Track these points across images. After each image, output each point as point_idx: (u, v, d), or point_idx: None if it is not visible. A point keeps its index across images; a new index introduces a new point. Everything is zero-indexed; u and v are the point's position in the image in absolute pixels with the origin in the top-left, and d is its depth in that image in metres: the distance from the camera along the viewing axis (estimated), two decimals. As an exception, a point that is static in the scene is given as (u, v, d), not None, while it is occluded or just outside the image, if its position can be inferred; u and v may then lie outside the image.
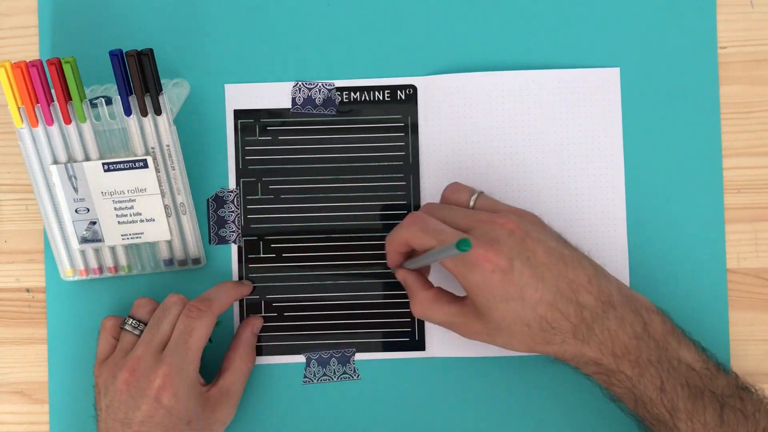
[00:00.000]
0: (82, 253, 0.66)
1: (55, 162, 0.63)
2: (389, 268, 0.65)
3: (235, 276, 0.67)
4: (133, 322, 0.63)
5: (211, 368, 0.65)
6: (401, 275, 0.63)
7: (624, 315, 0.57)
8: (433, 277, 0.65)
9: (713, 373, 0.58)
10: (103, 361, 0.63)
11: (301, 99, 0.68)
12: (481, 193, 0.62)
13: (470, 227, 0.58)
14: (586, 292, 0.57)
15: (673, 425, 0.57)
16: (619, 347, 0.57)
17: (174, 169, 0.64)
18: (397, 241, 0.61)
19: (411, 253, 0.62)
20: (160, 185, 0.64)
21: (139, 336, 0.63)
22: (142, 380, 0.60)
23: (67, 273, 0.66)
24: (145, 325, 0.63)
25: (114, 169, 0.63)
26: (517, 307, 0.57)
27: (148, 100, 0.62)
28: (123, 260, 0.66)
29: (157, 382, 0.59)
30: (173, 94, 0.66)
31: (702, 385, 0.57)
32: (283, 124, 0.68)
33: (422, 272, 0.63)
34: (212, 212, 0.68)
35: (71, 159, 0.63)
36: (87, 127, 0.63)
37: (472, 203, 0.62)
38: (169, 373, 0.60)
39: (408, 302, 0.66)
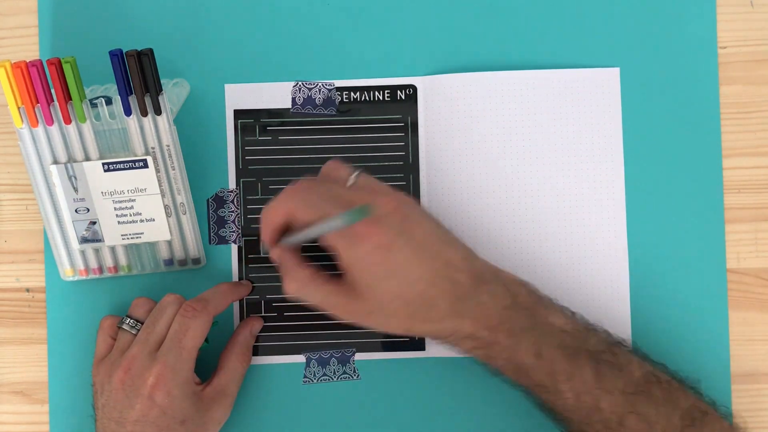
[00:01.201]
0: (82, 253, 0.65)
1: (55, 162, 0.63)
2: (264, 252, 0.63)
3: (235, 276, 0.67)
4: (131, 321, 0.63)
5: (207, 368, 0.65)
6: (276, 253, 0.60)
7: (495, 289, 0.59)
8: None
9: (584, 333, 0.60)
10: (101, 361, 0.63)
11: (301, 99, 0.68)
12: (360, 172, 0.61)
13: (351, 203, 0.57)
14: (460, 270, 0.58)
15: (555, 388, 0.58)
16: (494, 319, 0.58)
17: (174, 169, 0.64)
18: (276, 213, 0.59)
19: (287, 230, 0.60)
20: (160, 185, 0.64)
21: (135, 335, 0.63)
22: (136, 379, 0.60)
23: (67, 273, 0.66)
24: (142, 323, 0.63)
25: (114, 169, 0.63)
26: (397, 284, 0.57)
27: (148, 100, 0.62)
28: (123, 260, 0.66)
29: (150, 380, 0.59)
30: (173, 94, 0.66)
31: (576, 345, 0.59)
32: (283, 124, 0.68)
33: (297, 251, 0.61)
34: (212, 212, 0.68)
35: (71, 159, 0.63)
36: (87, 127, 0.63)
37: (351, 182, 0.60)
38: (163, 372, 0.60)
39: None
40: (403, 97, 0.68)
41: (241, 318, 0.67)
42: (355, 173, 0.61)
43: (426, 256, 0.57)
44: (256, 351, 0.67)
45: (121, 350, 0.62)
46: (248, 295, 0.67)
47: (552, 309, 0.60)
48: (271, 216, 0.59)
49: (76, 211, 0.64)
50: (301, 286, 0.59)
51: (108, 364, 0.62)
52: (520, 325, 0.58)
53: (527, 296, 0.60)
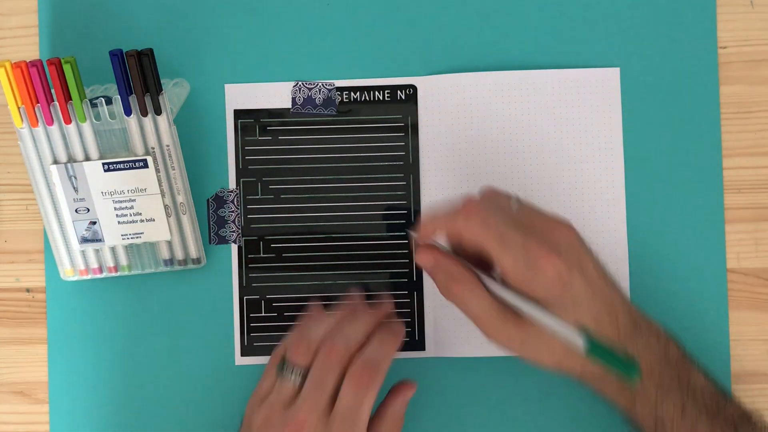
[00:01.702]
0: (82, 253, 0.66)
1: (55, 162, 0.63)
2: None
3: (236, 276, 0.67)
4: (295, 369, 0.58)
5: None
6: (431, 254, 0.57)
7: (649, 338, 0.58)
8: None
9: (723, 398, 0.58)
10: (263, 400, 0.59)
11: (301, 99, 0.68)
12: (517, 197, 0.59)
13: (527, 226, 0.56)
14: (622, 313, 0.57)
15: None
16: (645, 367, 0.57)
17: (174, 169, 0.64)
18: (445, 225, 0.57)
19: (457, 246, 0.57)
20: (160, 185, 0.64)
21: (297, 387, 0.57)
22: None
23: (67, 273, 0.66)
24: (306, 369, 0.58)
25: (114, 169, 0.63)
26: (567, 318, 0.55)
27: (148, 100, 0.62)
28: (123, 260, 0.66)
29: None
30: (173, 94, 0.66)
31: (716, 410, 0.57)
32: (283, 124, 0.68)
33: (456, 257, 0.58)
34: (212, 212, 0.68)
35: (71, 159, 0.63)
36: (87, 127, 0.63)
37: (515, 208, 0.58)
38: None
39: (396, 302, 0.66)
40: (403, 97, 0.68)
41: (241, 318, 0.67)
42: (515, 198, 0.58)
43: (597, 292, 0.56)
44: (257, 351, 0.67)
45: (283, 402, 0.57)
46: (248, 296, 0.67)
47: (694, 369, 0.59)
48: (439, 227, 0.57)
49: (76, 211, 0.64)
50: (467, 290, 0.56)
51: (269, 411, 0.57)
52: (669, 379, 0.57)
53: (676, 351, 0.58)
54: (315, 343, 0.58)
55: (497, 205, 0.57)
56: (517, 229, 0.55)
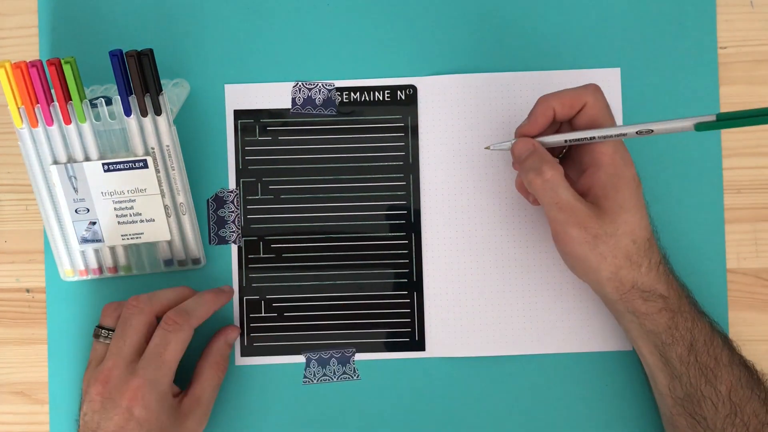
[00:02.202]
0: (82, 253, 0.65)
1: (55, 162, 0.63)
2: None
3: (236, 277, 0.67)
4: (103, 331, 0.63)
5: (184, 376, 0.65)
6: (530, 142, 0.60)
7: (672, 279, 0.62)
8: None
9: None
10: (86, 370, 0.63)
11: (301, 99, 0.68)
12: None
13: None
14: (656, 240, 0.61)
15: (714, 375, 0.60)
16: (678, 288, 0.61)
17: (174, 169, 0.64)
18: (571, 99, 0.60)
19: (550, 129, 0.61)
20: (160, 185, 0.64)
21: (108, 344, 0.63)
22: (114, 391, 0.60)
23: (67, 273, 0.66)
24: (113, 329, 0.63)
25: (114, 169, 0.63)
26: (638, 219, 0.59)
27: (148, 100, 0.62)
28: (123, 260, 0.66)
29: (129, 393, 0.59)
30: (173, 94, 0.66)
31: (732, 352, 0.61)
32: (283, 124, 0.68)
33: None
34: (212, 212, 0.68)
35: (71, 159, 0.63)
36: (87, 127, 0.63)
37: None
38: (142, 385, 0.59)
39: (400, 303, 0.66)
40: (403, 97, 0.68)
41: (241, 318, 0.67)
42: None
43: (644, 212, 0.60)
44: (256, 351, 0.67)
45: (98, 361, 0.62)
46: (248, 296, 0.67)
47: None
48: (564, 99, 0.60)
49: (76, 211, 0.64)
50: (558, 175, 0.59)
51: (88, 374, 0.62)
52: (698, 310, 0.61)
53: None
54: (122, 305, 0.63)
55: None
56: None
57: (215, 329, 0.66)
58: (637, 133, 0.57)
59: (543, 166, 0.59)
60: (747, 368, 0.61)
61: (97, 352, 0.63)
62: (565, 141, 0.60)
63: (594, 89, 0.60)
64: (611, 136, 0.58)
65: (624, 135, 0.58)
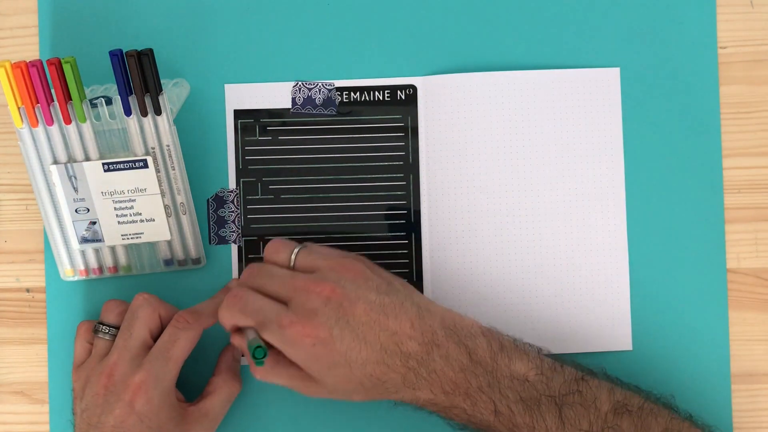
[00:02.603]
0: (82, 253, 0.65)
1: (55, 162, 0.63)
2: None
3: (235, 276, 0.67)
4: (105, 327, 0.63)
5: (191, 387, 0.65)
6: (237, 341, 0.61)
7: (448, 351, 0.58)
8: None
9: (548, 376, 0.58)
10: (80, 366, 0.63)
11: (301, 99, 0.68)
12: (303, 247, 0.61)
13: (288, 297, 0.58)
14: (409, 338, 0.58)
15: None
16: (448, 384, 0.58)
17: (174, 169, 0.64)
18: (223, 321, 0.61)
19: None
20: (160, 185, 0.64)
21: (111, 341, 0.63)
22: (119, 385, 0.60)
23: (67, 273, 0.66)
24: (116, 328, 0.63)
25: (114, 169, 0.63)
26: (345, 371, 0.57)
27: (148, 100, 0.62)
28: (123, 260, 0.66)
29: (132, 387, 0.59)
30: (173, 94, 0.66)
31: (537, 394, 0.57)
32: (283, 124, 0.68)
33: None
34: (212, 212, 0.68)
35: (71, 159, 0.63)
36: (87, 127, 0.63)
37: (291, 263, 0.61)
38: (146, 379, 0.60)
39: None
40: (403, 97, 0.68)
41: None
42: (294, 252, 0.61)
43: (369, 337, 0.57)
44: (256, 351, 0.67)
45: (99, 356, 0.62)
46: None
47: (515, 354, 0.59)
48: (224, 323, 0.61)
49: (76, 211, 0.64)
50: (265, 373, 0.60)
51: (88, 369, 0.62)
52: (477, 386, 0.57)
53: (486, 349, 0.58)
54: (127, 305, 0.64)
55: (263, 276, 0.60)
56: (272, 309, 0.58)
57: (217, 333, 0.66)
58: None
59: (251, 369, 0.60)
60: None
61: (98, 348, 0.63)
62: None
63: (225, 307, 0.60)
64: None
65: None
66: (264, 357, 0.56)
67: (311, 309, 0.57)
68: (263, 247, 0.67)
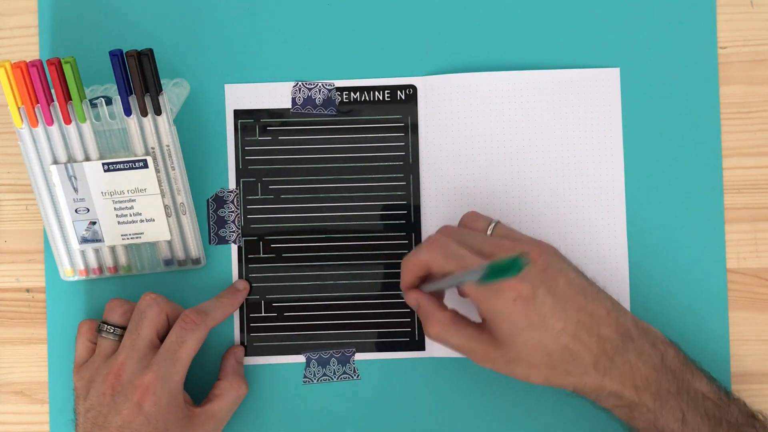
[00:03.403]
0: (82, 253, 0.65)
1: (55, 162, 0.63)
2: (399, 290, 0.63)
3: (236, 276, 0.67)
4: (109, 327, 0.63)
5: (195, 392, 0.65)
6: (414, 297, 0.60)
7: (642, 347, 0.57)
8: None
9: (726, 402, 0.58)
10: (82, 366, 0.63)
11: (301, 99, 0.68)
12: (498, 222, 0.61)
13: (492, 253, 0.57)
14: (606, 324, 0.57)
15: None
16: (640, 379, 0.57)
17: (174, 169, 0.64)
18: (415, 263, 0.59)
19: (426, 277, 0.60)
20: (160, 185, 0.64)
21: (116, 340, 0.63)
22: (127, 385, 0.60)
23: (67, 273, 0.66)
24: (121, 328, 0.63)
25: (114, 169, 0.63)
26: (539, 336, 0.56)
27: (148, 100, 0.62)
28: (123, 260, 0.66)
29: (141, 388, 0.59)
30: (173, 94, 0.66)
31: (719, 415, 0.57)
32: (283, 124, 0.68)
33: (437, 296, 0.61)
34: (212, 212, 0.68)
35: (71, 159, 0.63)
36: (87, 127, 0.63)
37: (490, 231, 0.61)
38: (155, 380, 0.59)
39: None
40: (403, 97, 0.68)
41: (241, 318, 0.67)
42: (493, 224, 0.61)
43: (570, 307, 0.56)
44: (257, 351, 0.67)
45: (104, 356, 0.62)
46: (248, 296, 0.67)
47: (696, 374, 0.58)
48: (410, 267, 0.59)
49: (76, 211, 0.64)
50: (442, 329, 0.58)
51: (92, 369, 0.62)
52: (667, 388, 0.57)
53: (675, 357, 0.58)
54: (134, 305, 0.63)
55: (464, 233, 0.60)
56: (475, 259, 0.57)
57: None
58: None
59: (426, 325, 0.59)
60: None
61: (102, 348, 0.63)
62: (432, 290, 0.60)
63: (427, 248, 0.59)
64: (459, 282, 0.57)
65: (463, 281, 0.56)
66: (521, 269, 0.48)
67: None
68: (263, 247, 0.67)
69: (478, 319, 0.59)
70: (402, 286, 0.61)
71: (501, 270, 0.48)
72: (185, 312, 0.63)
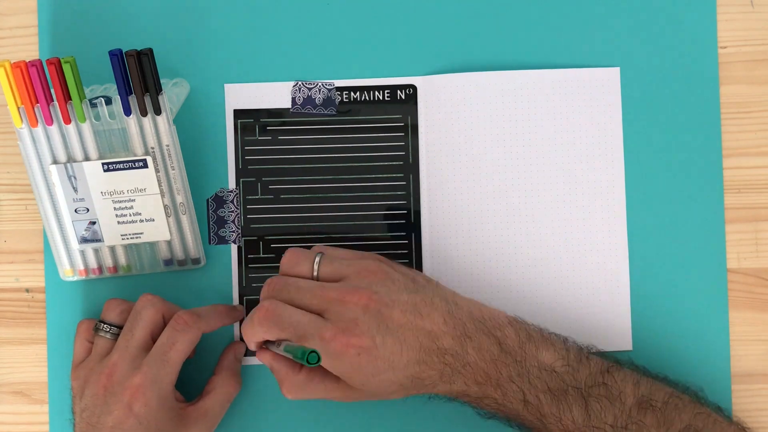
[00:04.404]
0: (82, 253, 0.65)
1: (55, 162, 0.63)
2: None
3: (236, 276, 0.67)
4: (106, 326, 0.63)
5: (191, 387, 0.65)
6: (266, 359, 0.61)
7: (480, 341, 0.58)
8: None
9: (574, 367, 0.59)
10: (79, 365, 0.63)
11: (301, 99, 0.68)
12: (321, 255, 0.61)
13: (323, 309, 0.58)
14: (444, 334, 0.58)
15: (546, 429, 0.58)
16: (481, 375, 0.58)
17: (174, 169, 0.64)
18: (253, 337, 0.60)
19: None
20: (159, 185, 0.64)
21: (112, 340, 0.63)
22: (117, 386, 0.60)
23: (66, 273, 0.66)
24: (118, 328, 0.63)
25: (114, 169, 0.63)
26: (389, 376, 0.58)
27: (147, 100, 0.62)
28: (123, 260, 0.66)
29: (130, 389, 0.59)
30: (173, 94, 0.66)
31: (564, 385, 0.58)
32: (283, 124, 0.68)
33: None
34: (212, 212, 0.68)
35: (71, 159, 0.63)
36: (87, 127, 0.63)
37: (315, 273, 0.61)
38: (144, 382, 0.59)
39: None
40: (403, 97, 0.68)
41: (241, 322, 0.67)
42: (316, 262, 0.61)
43: (409, 338, 0.58)
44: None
45: (99, 356, 0.62)
46: (248, 296, 0.67)
47: (542, 344, 0.59)
48: (249, 338, 0.60)
49: (75, 211, 0.64)
50: (298, 391, 0.60)
51: (87, 369, 0.62)
52: (507, 375, 0.58)
53: (515, 337, 0.59)
54: (131, 305, 0.63)
55: (290, 289, 0.60)
56: (310, 321, 0.58)
57: (219, 334, 0.66)
58: None
59: (282, 387, 0.61)
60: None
61: (98, 347, 0.63)
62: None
63: (259, 323, 0.59)
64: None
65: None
66: (319, 361, 0.54)
67: (351, 319, 0.57)
68: (263, 247, 0.67)
69: None
70: (251, 348, 0.62)
71: (304, 359, 0.53)
72: (178, 313, 0.62)
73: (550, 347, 0.59)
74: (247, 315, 0.65)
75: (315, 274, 0.61)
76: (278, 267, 0.67)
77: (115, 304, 0.64)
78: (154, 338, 0.62)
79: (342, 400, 0.60)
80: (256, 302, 0.67)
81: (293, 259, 0.61)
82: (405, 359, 0.57)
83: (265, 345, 0.61)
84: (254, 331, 0.59)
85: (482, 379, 0.58)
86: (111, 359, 0.61)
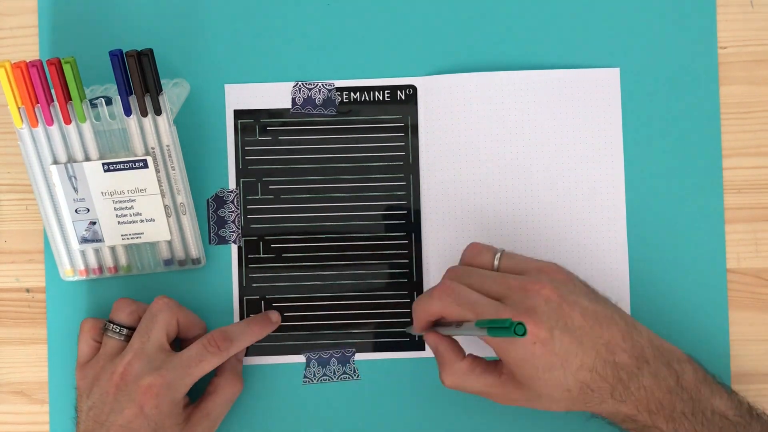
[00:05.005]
0: (82, 253, 0.65)
1: (55, 162, 0.63)
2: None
3: (235, 276, 0.67)
4: (115, 327, 0.63)
5: (193, 388, 0.64)
6: (432, 340, 0.60)
7: (657, 369, 0.57)
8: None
9: (746, 420, 0.57)
10: (85, 364, 0.63)
11: (301, 99, 0.68)
12: (502, 252, 0.61)
13: (503, 295, 0.57)
14: (622, 350, 0.57)
15: None
16: (654, 403, 0.56)
17: (174, 169, 0.64)
18: (428, 311, 0.59)
19: (440, 320, 0.60)
20: (160, 185, 0.64)
21: (123, 341, 0.63)
22: (131, 385, 0.60)
23: (67, 273, 0.66)
24: (128, 329, 0.63)
25: (114, 169, 0.63)
26: (559, 375, 0.56)
27: (148, 100, 0.62)
28: (123, 260, 0.66)
29: (144, 389, 0.59)
30: (173, 94, 0.66)
31: None
32: (283, 124, 0.68)
33: (452, 339, 0.61)
34: (212, 212, 0.68)
35: (71, 159, 0.63)
36: (87, 127, 0.63)
37: (496, 264, 0.60)
38: (160, 384, 0.59)
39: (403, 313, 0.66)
40: (403, 97, 0.68)
41: (241, 318, 0.67)
42: (498, 255, 0.60)
43: (586, 342, 0.56)
44: (257, 351, 0.67)
45: (110, 356, 0.62)
46: (248, 296, 0.67)
47: (716, 390, 0.58)
48: (422, 314, 0.59)
49: (76, 211, 0.64)
50: (459, 379, 0.59)
51: (97, 368, 0.62)
52: (681, 410, 0.56)
53: (692, 375, 0.57)
54: (141, 306, 0.64)
55: (471, 274, 0.59)
56: (489, 303, 0.57)
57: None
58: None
59: (442, 373, 0.60)
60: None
61: (107, 347, 0.63)
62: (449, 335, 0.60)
63: (438, 298, 0.58)
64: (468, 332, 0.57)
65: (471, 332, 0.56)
66: (525, 333, 0.51)
67: (531, 307, 0.56)
68: (263, 247, 0.67)
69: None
70: (415, 330, 0.61)
71: (500, 329, 0.51)
72: (213, 333, 0.62)
73: (724, 394, 0.58)
74: (281, 321, 0.66)
75: (496, 264, 0.60)
76: (278, 267, 0.67)
77: (125, 304, 0.64)
78: (168, 341, 0.62)
79: (499, 399, 0.59)
80: (256, 302, 0.67)
81: (475, 250, 0.61)
82: (579, 362, 0.56)
83: (434, 328, 0.60)
84: (430, 304, 0.58)
85: (655, 408, 0.56)
86: (124, 359, 0.61)
